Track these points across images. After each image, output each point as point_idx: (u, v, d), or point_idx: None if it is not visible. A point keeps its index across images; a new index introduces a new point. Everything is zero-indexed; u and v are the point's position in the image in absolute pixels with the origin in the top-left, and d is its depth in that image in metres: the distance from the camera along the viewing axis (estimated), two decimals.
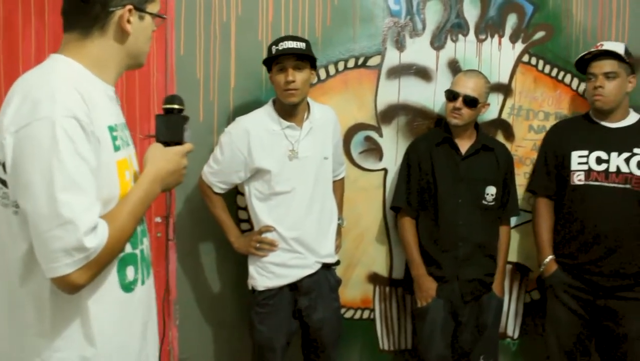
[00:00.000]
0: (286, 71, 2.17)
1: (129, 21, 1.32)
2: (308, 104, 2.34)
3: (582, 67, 2.52)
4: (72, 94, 1.20)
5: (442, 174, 2.48)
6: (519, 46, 2.72)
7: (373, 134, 2.71)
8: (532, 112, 2.76)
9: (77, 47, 1.32)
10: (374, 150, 2.72)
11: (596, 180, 2.42)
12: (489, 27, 2.70)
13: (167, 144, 1.41)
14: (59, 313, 1.26)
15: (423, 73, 2.69)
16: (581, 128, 2.53)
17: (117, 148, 1.30)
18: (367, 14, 2.65)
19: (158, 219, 2.68)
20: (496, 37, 2.71)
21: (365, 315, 2.79)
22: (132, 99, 2.61)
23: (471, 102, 2.41)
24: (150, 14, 1.39)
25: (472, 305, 2.48)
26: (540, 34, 2.72)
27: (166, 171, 1.37)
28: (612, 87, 2.39)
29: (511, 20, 2.71)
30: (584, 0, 2.72)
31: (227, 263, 2.68)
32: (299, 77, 2.18)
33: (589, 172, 2.44)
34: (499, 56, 2.71)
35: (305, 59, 2.21)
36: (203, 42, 2.62)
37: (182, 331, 2.73)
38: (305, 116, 2.30)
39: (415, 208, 2.54)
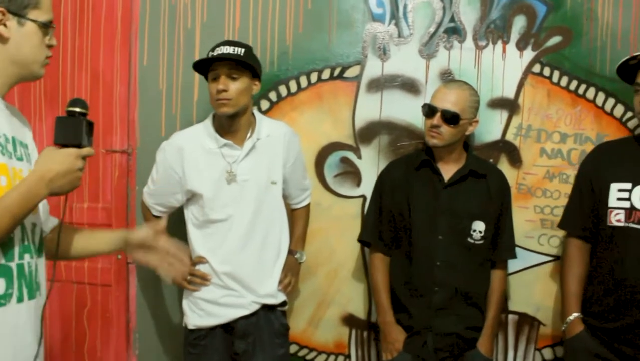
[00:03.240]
0: (219, 79, 1.91)
1: (5, 25, 1.30)
2: (255, 119, 2.06)
3: (627, 75, 2.00)
4: None
5: (418, 205, 2.09)
6: (529, 54, 2.27)
7: (350, 156, 2.36)
8: (545, 133, 2.29)
9: None
10: (351, 174, 2.37)
11: None
12: (491, 31, 2.28)
13: (65, 147, 1.31)
14: None
15: (410, 85, 2.32)
16: (626, 154, 1.99)
17: None
18: (345, 19, 2.33)
19: None
20: (499, 43, 2.28)
21: None
22: (95, 112, 2.46)
23: (451, 119, 2.01)
24: (33, 20, 1.32)
25: None
26: (555, 40, 2.26)
27: (55, 173, 1.26)
28: None
29: (518, 23, 2.27)
30: None
31: None
32: (233, 86, 1.91)
33: (631, 210, 1.90)
34: (502, 66, 2.28)
35: (244, 66, 1.93)
36: (167, 52, 2.43)
37: None
38: (248, 134, 2.02)
39: (388, 244, 2.17)
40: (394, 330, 2.09)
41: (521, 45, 2.27)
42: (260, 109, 2.36)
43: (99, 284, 2.53)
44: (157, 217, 2.13)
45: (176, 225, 2.17)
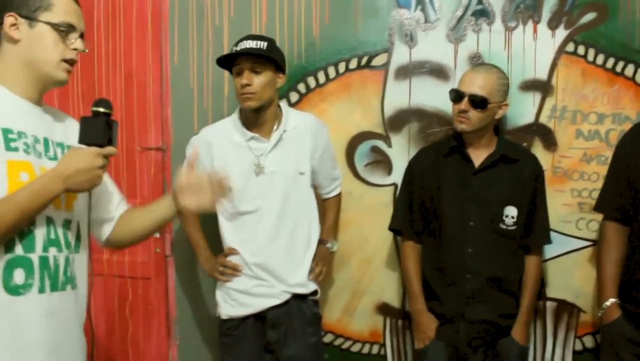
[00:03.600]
0: (242, 74, 1.94)
1: (18, 29, 1.34)
2: (281, 112, 2.07)
3: None
4: None
5: (448, 192, 2.06)
6: (561, 33, 2.20)
7: (380, 144, 2.36)
8: (581, 114, 2.21)
9: None
10: (382, 162, 2.36)
11: None
12: (521, 12, 2.22)
13: (88, 145, 1.34)
14: None
15: (439, 71, 2.29)
16: None
17: (11, 149, 1.30)
18: (371, 7, 2.32)
19: (157, 234, 2.57)
20: (530, 23, 2.22)
21: (375, 349, 2.44)
22: (129, 111, 2.54)
23: (480, 103, 1.97)
24: (45, 22, 1.35)
25: (486, 352, 2.03)
26: (589, 17, 2.18)
27: (74, 170, 1.30)
28: None
29: (550, 1, 2.20)
30: None
31: None
32: (257, 80, 1.93)
33: None
34: (534, 47, 2.22)
35: (267, 60, 1.95)
36: (196, 49, 2.47)
37: (183, 352, 2.61)
38: (275, 126, 2.04)
39: (419, 231, 2.15)
40: (425, 318, 2.08)
41: (553, 25, 2.20)
42: (289, 101, 2.37)
43: (139, 277, 2.62)
44: None
45: (207, 218, 2.23)
